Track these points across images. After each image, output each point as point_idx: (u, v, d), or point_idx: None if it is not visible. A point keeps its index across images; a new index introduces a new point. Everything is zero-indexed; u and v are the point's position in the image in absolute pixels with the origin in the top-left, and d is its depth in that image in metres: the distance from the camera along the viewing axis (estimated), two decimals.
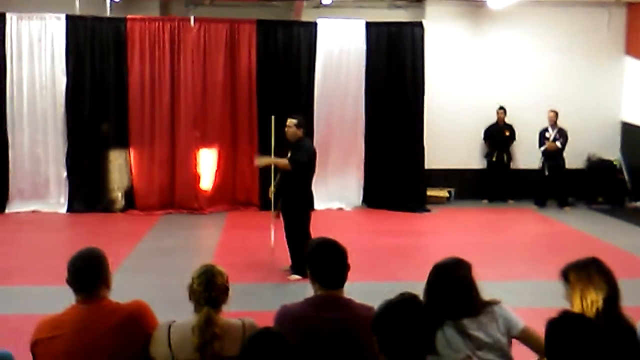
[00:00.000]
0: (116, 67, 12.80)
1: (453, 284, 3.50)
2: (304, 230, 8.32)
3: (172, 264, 9.09)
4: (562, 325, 2.87)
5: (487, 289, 3.64)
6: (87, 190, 12.87)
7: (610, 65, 14.46)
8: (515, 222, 12.58)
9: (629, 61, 14.37)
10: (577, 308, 3.44)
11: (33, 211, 12.66)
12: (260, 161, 8.51)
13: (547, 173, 13.73)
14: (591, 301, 3.41)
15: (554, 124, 13.70)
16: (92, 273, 3.49)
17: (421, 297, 3.08)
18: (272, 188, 8.74)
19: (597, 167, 14.24)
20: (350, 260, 3.57)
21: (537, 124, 13.79)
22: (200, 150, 13.03)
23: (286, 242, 8.49)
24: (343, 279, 3.56)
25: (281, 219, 8.64)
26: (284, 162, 8.32)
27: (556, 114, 13.63)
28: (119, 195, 12.95)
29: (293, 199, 8.36)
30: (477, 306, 3.50)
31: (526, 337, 3.53)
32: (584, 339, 2.80)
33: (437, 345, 3.35)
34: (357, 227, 11.95)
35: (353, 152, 13.50)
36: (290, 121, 8.45)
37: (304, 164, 8.30)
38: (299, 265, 8.06)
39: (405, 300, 2.93)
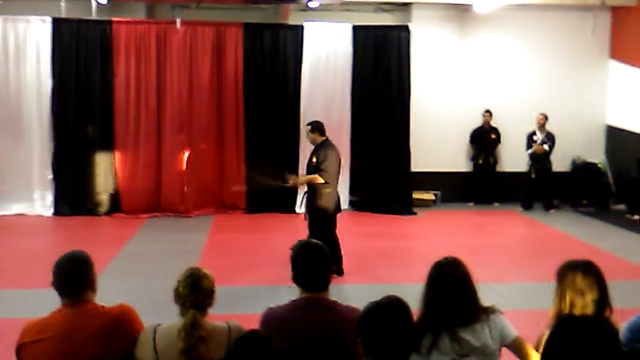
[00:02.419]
0: (102, 70, 12.75)
1: (455, 281, 3.50)
2: (329, 232, 8.45)
3: (157, 267, 9.06)
4: (564, 327, 2.89)
5: None
6: (72, 193, 12.81)
7: (595, 69, 14.56)
8: (500, 225, 12.63)
9: (614, 65, 14.48)
10: (555, 307, 3.50)
11: (18, 214, 12.59)
12: (297, 181, 8.91)
13: (534, 176, 13.79)
14: (570, 302, 3.46)
15: (542, 127, 13.76)
16: (78, 276, 3.49)
17: (406, 299, 3.08)
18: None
19: (582, 170, 14.33)
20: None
21: (522, 127, 13.85)
22: (186, 153, 12.98)
23: None
24: (326, 281, 3.57)
25: (306, 220, 8.76)
26: (316, 178, 8.48)
27: (545, 117, 13.68)
28: (104, 198, 12.89)
29: (318, 200, 8.51)
30: (476, 312, 3.50)
31: (516, 347, 3.54)
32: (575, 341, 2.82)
33: (425, 347, 3.37)
34: (343, 230, 11.82)
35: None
36: (305, 128, 8.93)
37: (335, 173, 8.54)
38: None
39: (388, 303, 2.95)
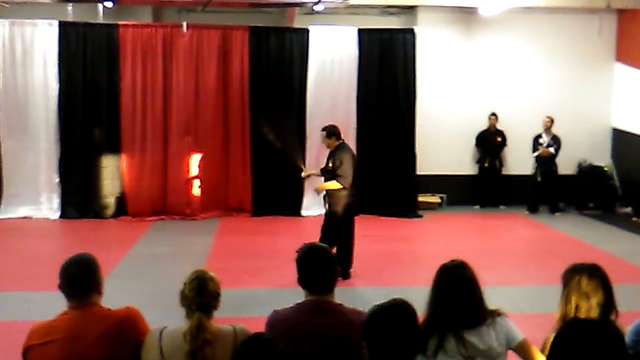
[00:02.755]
0: (108, 73, 12.79)
1: (462, 284, 3.50)
2: (343, 235, 8.60)
3: (164, 270, 9.09)
4: (569, 330, 2.90)
5: None
6: (79, 196, 12.84)
7: (600, 72, 14.53)
8: (506, 228, 12.61)
9: (620, 67, 14.45)
10: (560, 310, 3.50)
11: (25, 217, 12.63)
12: (320, 188, 8.97)
13: (539, 179, 13.77)
14: (575, 305, 3.47)
15: (548, 130, 13.74)
16: (84, 279, 3.50)
17: (412, 302, 3.08)
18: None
19: (588, 173, 14.30)
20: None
21: (528, 130, 13.84)
22: (193, 156, 13.01)
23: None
24: (332, 284, 3.58)
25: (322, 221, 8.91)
26: (336, 184, 8.60)
27: (551, 120, 13.67)
28: (111, 201, 12.92)
29: (338, 201, 8.64)
30: (482, 314, 3.50)
31: (522, 350, 3.54)
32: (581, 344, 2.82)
33: (431, 349, 3.37)
34: None
35: None
36: (321, 134, 8.94)
37: (351, 177, 8.63)
38: (341, 265, 8.16)
39: (394, 306, 2.95)
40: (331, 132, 8.80)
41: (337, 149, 8.73)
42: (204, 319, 3.36)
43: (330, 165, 8.70)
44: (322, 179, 9.00)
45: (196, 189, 13.07)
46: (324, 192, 8.89)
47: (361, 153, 13.24)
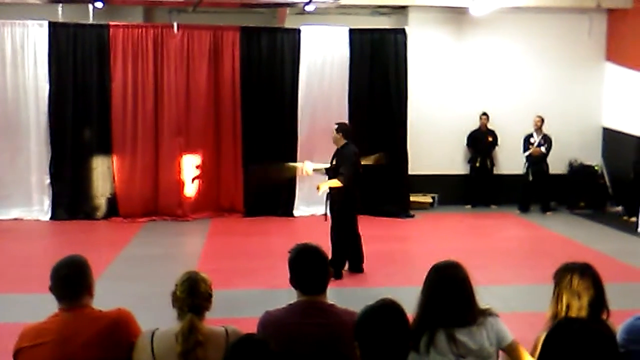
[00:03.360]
0: (99, 74, 12.75)
1: (454, 284, 3.51)
2: (349, 231, 8.76)
3: (155, 271, 9.06)
4: (560, 329, 2.91)
5: None
6: (70, 197, 12.80)
7: (591, 71, 14.58)
8: (498, 227, 12.64)
9: (610, 67, 14.50)
10: (551, 309, 3.52)
11: (16, 219, 12.57)
12: (322, 187, 8.96)
13: (530, 178, 13.82)
14: (566, 304, 3.48)
15: (539, 130, 13.78)
16: (76, 281, 3.49)
17: (404, 302, 3.08)
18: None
19: (579, 172, 14.35)
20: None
21: (519, 129, 13.87)
22: (184, 157, 12.99)
23: (330, 241, 8.67)
24: (324, 284, 3.58)
25: (329, 219, 8.95)
26: (337, 182, 8.70)
27: (542, 119, 13.72)
28: (102, 203, 12.88)
29: (339, 200, 8.73)
30: (473, 314, 3.51)
31: (511, 351, 3.56)
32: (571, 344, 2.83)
33: (423, 346, 3.38)
34: None
35: None
36: (333, 127, 9.03)
37: (353, 176, 8.73)
38: (334, 265, 8.17)
39: (383, 306, 2.96)
40: (341, 128, 8.97)
41: (342, 148, 8.85)
42: (196, 320, 3.36)
43: (334, 163, 8.80)
44: (326, 177, 9.06)
45: (194, 190, 13.07)
46: (327, 191, 8.93)
47: None
